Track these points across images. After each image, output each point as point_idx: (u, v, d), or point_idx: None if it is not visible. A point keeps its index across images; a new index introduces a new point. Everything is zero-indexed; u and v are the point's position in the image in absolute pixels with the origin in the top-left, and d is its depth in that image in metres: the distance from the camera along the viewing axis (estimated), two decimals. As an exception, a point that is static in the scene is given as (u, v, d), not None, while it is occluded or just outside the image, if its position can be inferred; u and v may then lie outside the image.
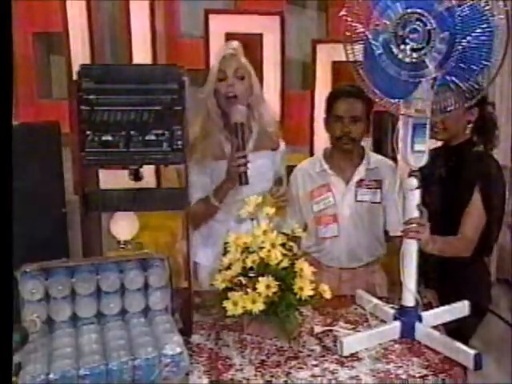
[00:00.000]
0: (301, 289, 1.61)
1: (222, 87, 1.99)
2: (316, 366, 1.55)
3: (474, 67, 1.50)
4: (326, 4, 3.28)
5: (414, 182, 1.66)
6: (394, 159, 2.22)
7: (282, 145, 2.21)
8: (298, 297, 1.61)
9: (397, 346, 1.65)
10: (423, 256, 1.74)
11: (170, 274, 1.59)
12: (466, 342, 1.62)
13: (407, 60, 1.53)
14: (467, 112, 1.97)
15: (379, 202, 2.18)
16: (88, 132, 1.58)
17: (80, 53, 3.05)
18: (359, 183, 2.19)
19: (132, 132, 1.60)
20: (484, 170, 2.02)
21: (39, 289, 1.49)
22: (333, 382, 1.48)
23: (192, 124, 2.03)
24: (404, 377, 1.49)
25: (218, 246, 2.07)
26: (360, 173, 2.19)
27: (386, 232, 2.23)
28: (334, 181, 2.21)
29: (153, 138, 1.60)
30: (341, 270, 2.22)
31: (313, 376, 1.50)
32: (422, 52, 1.50)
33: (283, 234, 1.72)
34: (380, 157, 2.27)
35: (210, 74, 2.03)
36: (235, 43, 2.03)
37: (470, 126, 2.09)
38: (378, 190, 2.18)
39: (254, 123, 2.08)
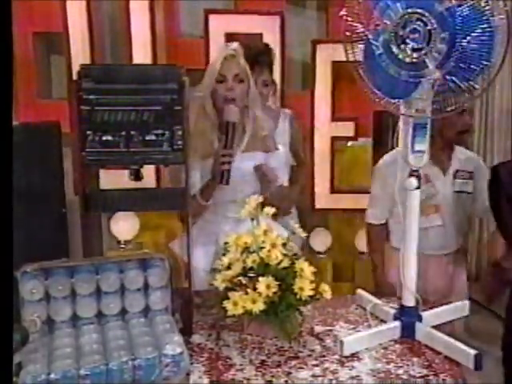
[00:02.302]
0: (301, 289, 1.60)
1: (220, 89, 1.99)
2: (316, 365, 1.55)
3: (474, 67, 1.50)
4: (326, 4, 3.28)
5: (414, 182, 1.65)
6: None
7: (281, 149, 2.19)
8: (298, 297, 1.61)
9: (397, 345, 1.65)
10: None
11: (170, 273, 1.60)
12: None
13: (407, 60, 1.53)
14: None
15: (471, 192, 2.27)
16: (88, 132, 1.58)
17: (80, 53, 3.05)
18: (455, 173, 2.27)
19: (132, 132, 1.60)
20: None
21: (39, 289, 1.49)
22: (333, 382, 1.48)
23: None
24: (405, 377, 1.49)
25: (209, 248, 2.07)
26: (456, 163, 2.28)
27: None
28: (433, 171, 2.26)
29: (153, 138, 1.60)
30: (434, 257, 2.29)
31: (313, 376, 1.50)
32: (423, 52, 1.50)
33: None
34: (462, 148, 2.34)
35: (208, 74, 2.04)
36: (235, 44, 2.03)
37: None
38: (471, 181, 2.27)
39: (248, 124, 2.06)
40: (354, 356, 1.59)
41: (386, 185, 2.24)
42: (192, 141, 1.99)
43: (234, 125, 1.94)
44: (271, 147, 2.13)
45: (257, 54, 2.32)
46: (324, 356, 1.60)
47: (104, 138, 1.59)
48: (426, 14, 1.48)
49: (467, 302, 1.81)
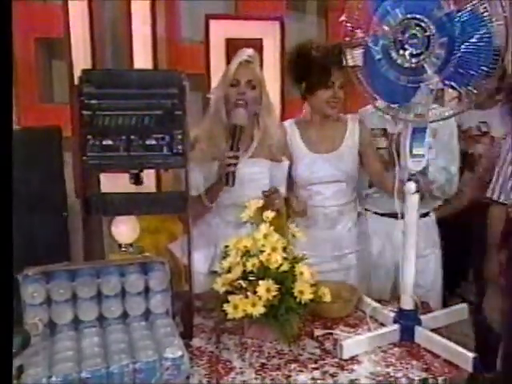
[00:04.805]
0: (301, 292, 1.61)
1: (232, 93, 1.99)
2: (316, 369, 1.55)
3: (473, 72, 1.51)
4: (326, 9, 3.29)
5: (413, 186, 1.66)
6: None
7: (286, 162, 2.16)
8: (297, 300, 1.62)
9: (396, 349, 1.66)
10: None
11: (171, 277, 1.60)
12: None
13: (406, 65, 1.54)
14: None
15: None
16: (89, 136, 1.59)
17: (81, 58, 3.05)
18: None
19: (133, 136, 1.61)
20: None
21: (41, 292, 1.50)
22: (333, 385, 1.49)
23: (198, 123, 2.03)
24: (404, 380, 1.50)
25: (210, 251, 2.07)
26: None
27: None
28: None
29: (153, 142, 1.61)
30: None
31: (313, 379, 1.50)
32: (421, 57, 1.52)
33: None
34: None
35: (223, 78, 2.04)
36: (251, 51, 2.04)
37: None
38: None
39: (257, 132, 2.07)
40: (354, 359, 1.60)
41: None
42: (203, 143, 2.01)
43: (241, 128, 1.93)
44: (277, 157, 2.12)
45: (324, 55, 2.07)
46: (323, 359, 1.60)
47: (105, 143, 1.60)
48: (425, 20, 1.50)
49: (466, 306, 1.82)
